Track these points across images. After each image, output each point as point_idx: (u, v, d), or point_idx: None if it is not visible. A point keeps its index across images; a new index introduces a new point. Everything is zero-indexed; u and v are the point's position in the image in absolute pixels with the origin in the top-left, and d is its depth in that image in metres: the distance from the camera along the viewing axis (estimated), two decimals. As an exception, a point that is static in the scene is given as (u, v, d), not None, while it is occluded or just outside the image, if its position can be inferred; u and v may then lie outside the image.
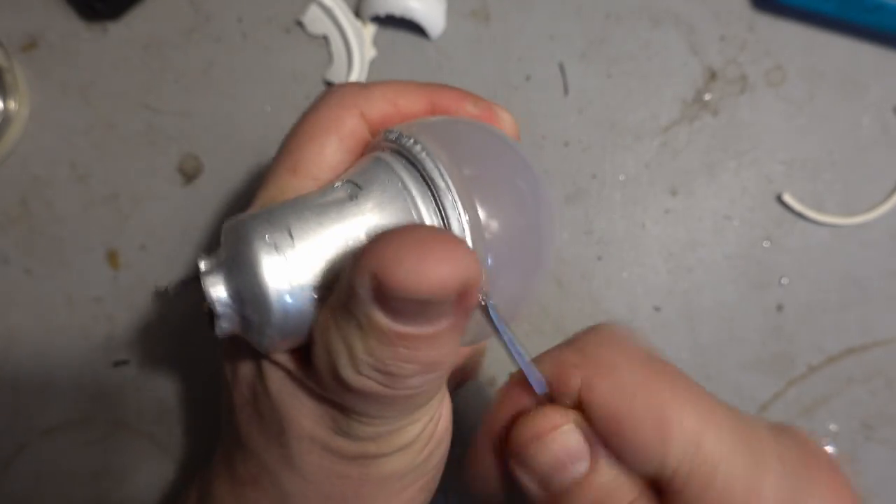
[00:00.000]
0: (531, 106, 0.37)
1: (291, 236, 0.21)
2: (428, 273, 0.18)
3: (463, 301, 0.19)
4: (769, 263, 0.37)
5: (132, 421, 0.36)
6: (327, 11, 0.37)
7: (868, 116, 0.37)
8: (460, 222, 0.21)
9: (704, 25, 0.38)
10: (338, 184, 0.22)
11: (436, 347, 0.20)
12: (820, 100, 0.38)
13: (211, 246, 0.37)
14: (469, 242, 0.21)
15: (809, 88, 0.38)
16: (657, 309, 0.37)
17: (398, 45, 0.38)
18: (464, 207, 0.21)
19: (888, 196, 0.37)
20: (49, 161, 0.37)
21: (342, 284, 0.20)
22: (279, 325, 0.21)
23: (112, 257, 0.37)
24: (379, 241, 0.19)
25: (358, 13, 0.37)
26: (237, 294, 0.21)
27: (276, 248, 0.20)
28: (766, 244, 0.37)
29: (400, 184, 0.21)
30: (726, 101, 0.38)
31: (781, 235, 0.37)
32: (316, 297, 0.21)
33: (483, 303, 0.21)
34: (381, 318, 0.19)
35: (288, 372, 0.23)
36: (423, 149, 0.21)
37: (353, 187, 0.22)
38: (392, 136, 0.22)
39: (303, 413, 0.23)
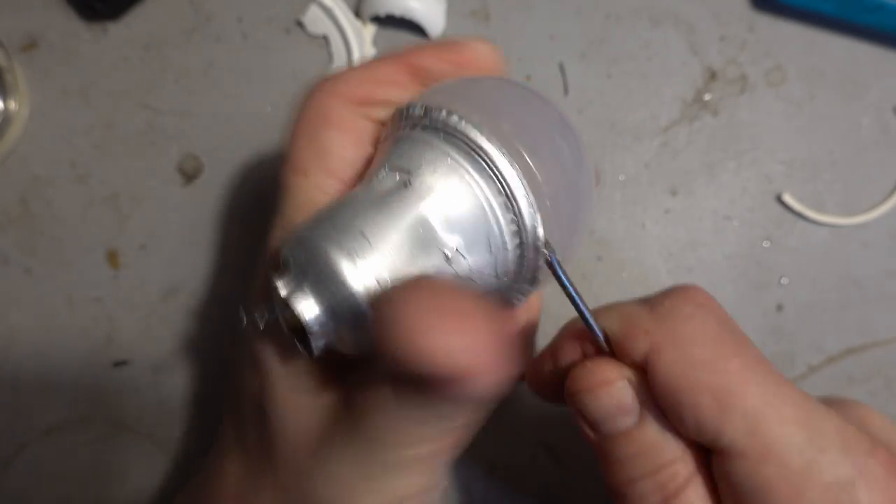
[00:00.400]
0: (531, 106, 0.37)
1: (367, 238, 0.20)
2: (418, 344, 0.17)
3: (471, 386, 0.18)
4: (769, 263, 0.37)
5: (132, 421, 0.36)
6: (327, 11, 0.37)
7: (868, 116, 0.37)
8: (519, 179, 0.21)
9: (704, 25, 0.38)
10: (384, 172, 0.22)
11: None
12: (820, 100, 0.38)
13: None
14: (527, 196, 0.21)
15: (809, 88, 0.38)
16: (657, 309, 0.37)
17: (398, 45, 0.38)
18: (514, 161, 0.21)
19: (888, 196, 0.37)
20: (49, 161, 0.37)
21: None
22: (369, 323, 0.20)
23: (112, 257, 0.37)
24: (391, 306, 0.18)
25: (358, 13, 0.37)
26: (330, 309, 0.20)
27: (357, 253, 0.20)
28: (766, 244, 0.37)
29: (449, 159, 0.21)
30: (726, 101, 0.38)
31: (781, 235, 0.37)
32: None
33: (548, 255, 0.21)
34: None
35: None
36: (460, 117, 0.21)
37: (402, 173, 0.22)
38: (417, 111, 0.22)
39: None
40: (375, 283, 0.20)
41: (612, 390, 0.22)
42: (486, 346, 0.18)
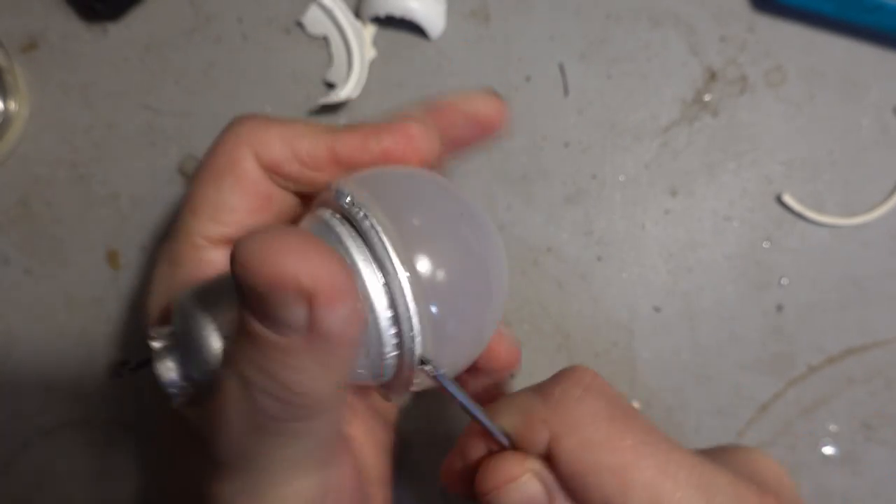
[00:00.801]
0: (531, 106, 0.37)
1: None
2: (268, 261, 0.18)
3: (316, 310, 0.18)
4: (769, 264, 0.37)
5: (132, 421, 0.36)
6: (327, 12, 0.37)
7: (868, 117, 0.37)
8: (407, 302, 0.21)
9: (704, 26, 0.38)
10: None
11: (290, 367, 0.19)
12: (820, 100, 0.38)
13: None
14: (411, 299, 0.21)
15: (809, 89, 0.38)
16: (657, 309, 0.37)
17: (398, 46, 0.38)
18: (403, 268, 0.21)
19: (888, 196, 0.37)
20: (49, 161, 0.37)
21: None
22: None
23: (112, 257, 0.37)
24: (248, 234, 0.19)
25: (358, 14, 0.37)
26: (187, 376, 0.22)
27: (228, 333, 0.21)
28: (765, 245, 0.37)
29: (350, 261, 0.21)
30: (726, 102, 0.38)
31: (781, 236, 0.37)
32: None
33: (431, 370, 0.22)
34: (242, 313, 0.19)
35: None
36: (372, 225, 0.21)
37: None
38: (342, 201, 0.22)
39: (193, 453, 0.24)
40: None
41: (518, 485, 0.23)
42: (329, 271, 0.18)
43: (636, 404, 0.36)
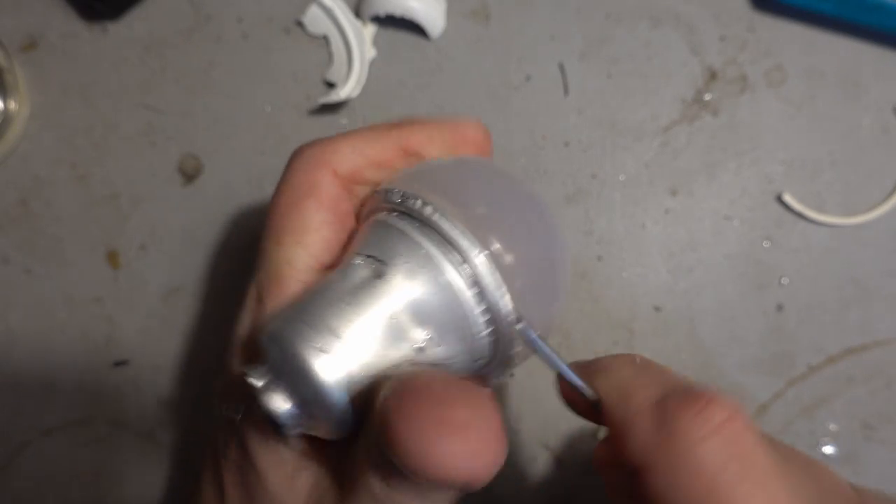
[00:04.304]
0: (531, 106, 0.37)
1: (336, 335, 0.21)
2: (422, 449, 0.18)
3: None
4: (769, 263, 0.37)
5: (132, 421, 0.36)
6: (327, 11, 0.37)
7: (868, 116, 0.37)
8: (490, 272, 0.21)
9: (704, 25, 0.38)
10: (358, 260, 0.22)
11: None
12: (820, 100, 0.38)
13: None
14: (492, 269, 0.21)
15: (809, 88, 0.38)
16: (657, 309, 0.37)
17: (398, 45, 0.38)
18: (486, 252, 0.21)
19: (888, 196, 0.37)
20: (49, 161, 0.37)
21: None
22: (342, 416, 0.21)
23: (112, 257, 0.37)
24: (393, 411, 0.18)
25: (358, 13, 0.37)
26: (301, 404, 0.21)
27: (325, 350, 0.21)
28: (766, 244, 0.37)
29: (423, 251, 0.22)
30: (726, 101, 0.38)
31: (781, 235, 0.37)
32: (373, 380, 0.21)
33: (526, 335, 0.22)
34: (370, 470, 0.20)
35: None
36: (434, 209, 0.22)
37: (376, 263, 0.22)
38: (395, 199, 0.22)
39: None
40: (346, 376, 0.21)
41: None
42: (487, 446, 0.18)
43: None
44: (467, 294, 0.21)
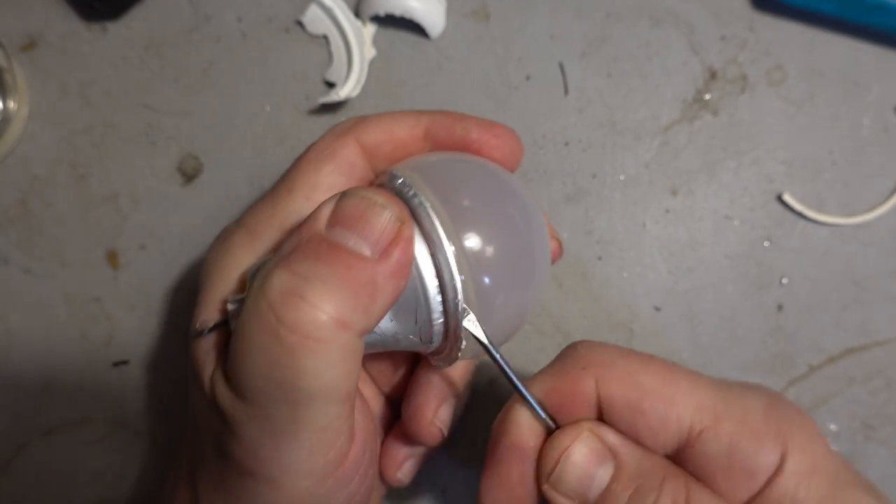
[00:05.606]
0: (531, 106, 0.37)
1: None
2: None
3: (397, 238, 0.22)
4: (769, 263, 0.37)
5: (132, 421, 0.36)
6: (327, 11, 0.37)
7: (868, 116, 0.37)
8: (452, 270, 0.23)
9: (704, 25, 0.38)
10: None
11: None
12: (820, 100, 0.38)
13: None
14: (454, 266, 0.23)
15: (809, 88, 0.38)
16: (657, 309, 0.37)
17: (398, 45, 0.38)
18: (449, 241, 0.23)
19: (888, 196, 0.37)
20: (49, 161, 0.37)
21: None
22: None
23: (112, 257, 0.37)
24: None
25: (358, 13, 0.37)
26: None
27: None
28: (766, 244, 0.37)
29: None
30: (726, 101, 0.38)
31: (781, 235, 0.37)
32: None
33: (471, 325, 0.23)
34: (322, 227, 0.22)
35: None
36: (421, 201, 0.23)
37: None
38: (395, 183, 0.24)
39: (207, 424, 0.24)
40: None
41: (576, 448, 0.24)
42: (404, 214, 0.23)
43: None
44: (430, 283, 0.23)
